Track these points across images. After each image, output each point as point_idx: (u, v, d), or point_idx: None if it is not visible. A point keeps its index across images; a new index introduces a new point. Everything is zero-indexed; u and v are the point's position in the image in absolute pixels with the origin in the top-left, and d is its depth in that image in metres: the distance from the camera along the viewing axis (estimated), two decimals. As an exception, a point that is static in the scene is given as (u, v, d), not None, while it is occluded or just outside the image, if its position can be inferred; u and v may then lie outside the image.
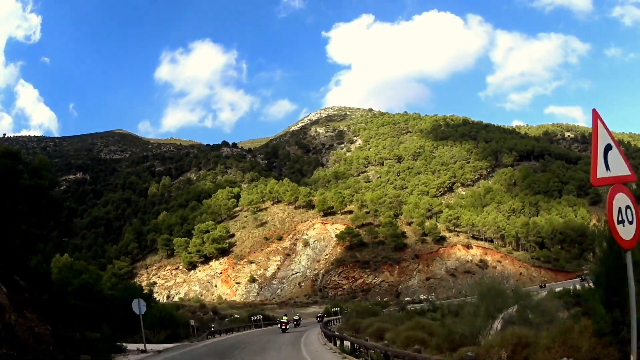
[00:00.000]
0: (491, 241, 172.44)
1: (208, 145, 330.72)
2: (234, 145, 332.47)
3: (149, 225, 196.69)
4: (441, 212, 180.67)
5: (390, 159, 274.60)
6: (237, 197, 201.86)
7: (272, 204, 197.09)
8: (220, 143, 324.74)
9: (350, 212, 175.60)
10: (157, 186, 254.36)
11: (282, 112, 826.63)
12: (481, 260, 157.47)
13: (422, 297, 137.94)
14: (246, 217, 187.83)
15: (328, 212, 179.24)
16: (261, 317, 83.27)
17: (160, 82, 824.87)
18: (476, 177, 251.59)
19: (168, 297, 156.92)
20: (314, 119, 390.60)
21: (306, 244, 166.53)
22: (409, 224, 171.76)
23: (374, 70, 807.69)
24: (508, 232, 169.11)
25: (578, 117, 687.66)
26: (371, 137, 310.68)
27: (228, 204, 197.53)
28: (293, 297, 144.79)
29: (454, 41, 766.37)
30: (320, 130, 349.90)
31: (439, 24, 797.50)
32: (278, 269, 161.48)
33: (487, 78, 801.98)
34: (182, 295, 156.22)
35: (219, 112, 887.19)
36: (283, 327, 55.60)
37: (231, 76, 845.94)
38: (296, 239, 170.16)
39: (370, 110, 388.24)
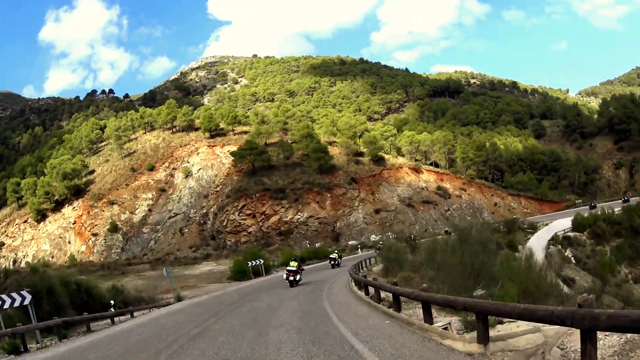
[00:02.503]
0: (437, 166, 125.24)
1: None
2: (111, 91, 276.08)
3: (4, 172, 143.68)
4: (367, 131, 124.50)
5: (281, 94, 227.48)
6: (104, 129, 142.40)
7: (145, 133, 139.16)
8: (98, 91, 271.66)
9: (246, 132, 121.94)
10: (29, 137, 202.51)
11: (161, 70, 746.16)
12: (439, 188, 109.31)
13: (373, 237, 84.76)
14: (112, 149, 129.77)
15: (216, 133, 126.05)
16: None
17: (44, 43, 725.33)
18: (385, 110, 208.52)
19: (15, 262, 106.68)
20: (195, 66, 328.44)
21: (188, 174, 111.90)
22: (330, 144, 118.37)
23: (256, 26, 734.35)
24: (465, 154, 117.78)
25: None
26: (258, 75, 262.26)
27: (91, 136, 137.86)
28: (173, 251, 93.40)
29: None
30: (202, 73, 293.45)
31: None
32: (149, 210, 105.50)
33: (371, 35, 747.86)
34: (30, 258, 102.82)
35: (99, 72, 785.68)
36: (291, 277, 32.82)
37: (112, 33, 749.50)
38: (174, 169, 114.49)
39: (255, 56, 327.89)
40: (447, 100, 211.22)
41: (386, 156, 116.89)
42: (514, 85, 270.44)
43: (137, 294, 37.56)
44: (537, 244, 51.27)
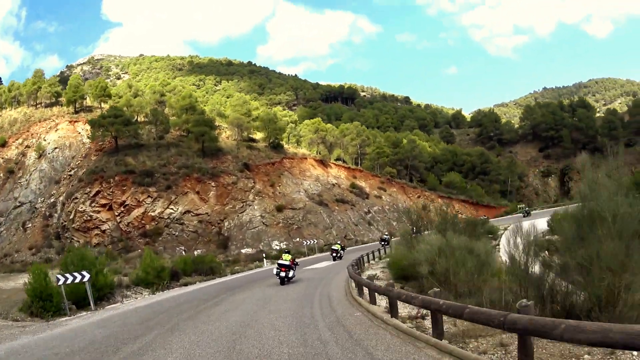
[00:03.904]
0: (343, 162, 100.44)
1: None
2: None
3: None
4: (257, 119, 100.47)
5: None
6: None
7: (11, 109, 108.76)
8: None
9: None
10: None
11: (52, 70, 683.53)
12: (354, 186, 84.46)
13: (276, 244, 58.71)
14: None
15: (82, 108, 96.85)
16: None
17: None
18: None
19: None
20: (81, 62, 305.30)
21: (42, 153, 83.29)
22: (217, 127, 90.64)
23: (146, 30, 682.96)
24: (380, 149, 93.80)
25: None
26: (142, 71, 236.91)
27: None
28: (11, 252, 69.35)
29: (233, 6, 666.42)
30: (87, 68, 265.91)
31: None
32: (-8, 197, 79.02)
33: (257, 48, 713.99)
34: None
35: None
36: (282, 273, 27.04)
37: (10, 25, 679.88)
38: (27, 147, 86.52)
39: (141, 55, 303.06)
40: (341, 105, 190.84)
41: (286, 145, 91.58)
42: (407, 100, 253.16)
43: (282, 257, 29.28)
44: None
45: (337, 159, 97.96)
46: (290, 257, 28.34)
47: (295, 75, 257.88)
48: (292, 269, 27.83)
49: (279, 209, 67.37)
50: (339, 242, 54.22)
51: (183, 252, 59.02)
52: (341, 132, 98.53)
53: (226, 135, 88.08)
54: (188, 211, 64.48)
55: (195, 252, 57.97)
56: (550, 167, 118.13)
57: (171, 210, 64.10)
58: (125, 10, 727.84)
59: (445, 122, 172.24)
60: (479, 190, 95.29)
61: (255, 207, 66.51)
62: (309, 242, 57.44)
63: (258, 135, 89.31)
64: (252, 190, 68.92)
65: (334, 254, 46.68)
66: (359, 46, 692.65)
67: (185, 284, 33.53)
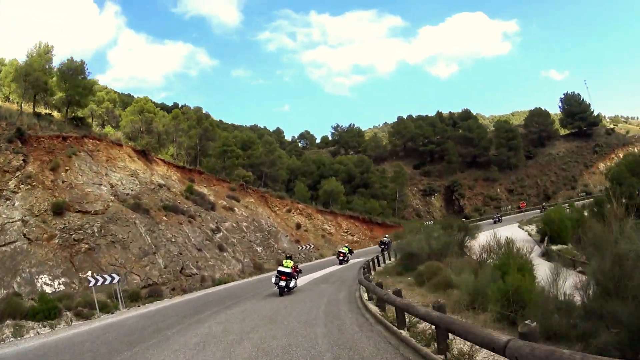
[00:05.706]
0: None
1: None
2: None
3: None
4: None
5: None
6: None
7: None
8: None
9: None
10: None
11: None
12: (192, 191, 55.27)
13: (47, 283, 30.77)
14: None
15: None
16: None
17: None
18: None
19: None
20: None
21: None
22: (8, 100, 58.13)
23: (4, 46, 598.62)
24: (229, 148, 69.08)
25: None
26: None
27: None
28: None
29: (76, 31, 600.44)
30: None
31: (69, 4, 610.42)
32: None
33: (97, 76, 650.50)
34: None
35: None
36: (282, 282, 23.55)
37: None
38: None
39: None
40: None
41: (96, 128, 61.32)
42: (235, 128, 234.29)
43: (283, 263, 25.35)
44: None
45: (169, 157, 69.14)
46: (292, 263, 24.89)
47: (129, 94, 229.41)
48: (294, 278, 24.72)
49: (58, 209, 34.65)
50: (346, 244, 52.37)
51: None
52: (175, 117, 69.84)
53: (16, 107, 56.10)
54: None
55: None
56: (432, 184, 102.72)
57: None
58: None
59: (291, 142, 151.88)
60: (372, 204, 73.25)
61: (16, 202, 33.13)
62: (108, 279, 26.50)
63: (56, 111, 58.21)
64: (19, 173, 36.29)
65: (341, 257, 45.07)
66: (193, 79, 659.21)
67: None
